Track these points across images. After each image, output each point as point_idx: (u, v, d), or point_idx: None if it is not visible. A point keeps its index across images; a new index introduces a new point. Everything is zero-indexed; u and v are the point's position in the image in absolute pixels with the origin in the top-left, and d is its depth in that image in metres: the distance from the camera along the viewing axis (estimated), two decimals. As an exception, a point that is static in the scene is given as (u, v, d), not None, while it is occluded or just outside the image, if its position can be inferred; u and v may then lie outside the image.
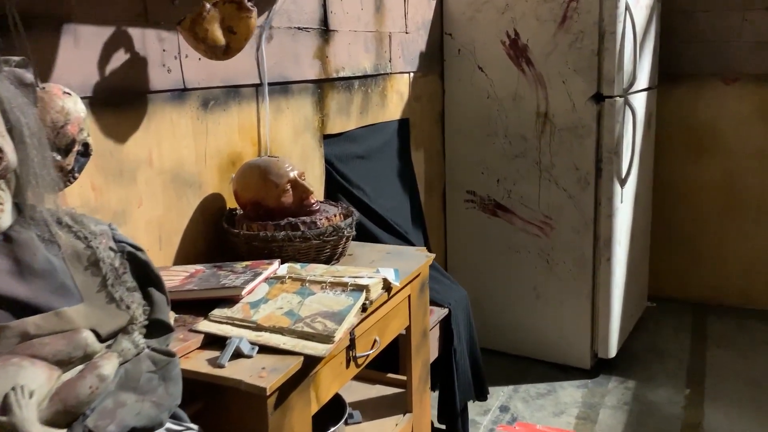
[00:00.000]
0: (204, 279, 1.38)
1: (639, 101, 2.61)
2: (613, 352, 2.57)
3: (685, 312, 3.15)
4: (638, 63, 2.42)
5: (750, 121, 2.98)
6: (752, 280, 3.12)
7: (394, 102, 2.33)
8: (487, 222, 2.70)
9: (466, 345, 2.07)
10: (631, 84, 2.41)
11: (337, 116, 1.99)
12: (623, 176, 2.47)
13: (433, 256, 1.68)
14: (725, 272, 3.16)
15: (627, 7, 2.35)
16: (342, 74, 1.99)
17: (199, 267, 1.45)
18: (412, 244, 2.09)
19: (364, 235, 1.91)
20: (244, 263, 1.45)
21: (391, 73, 2.29)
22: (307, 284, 1.38)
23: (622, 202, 2.51)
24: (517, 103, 2.54)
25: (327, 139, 1.95)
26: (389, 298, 1.47)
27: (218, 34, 1.38)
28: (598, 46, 2.34)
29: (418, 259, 1.64)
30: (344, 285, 1.37)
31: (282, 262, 1.48)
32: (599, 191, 2.45)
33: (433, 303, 1.93)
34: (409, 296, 1.59)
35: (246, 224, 1.54)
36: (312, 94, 1.87)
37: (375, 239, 1.95)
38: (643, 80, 2.64)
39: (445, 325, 2.01)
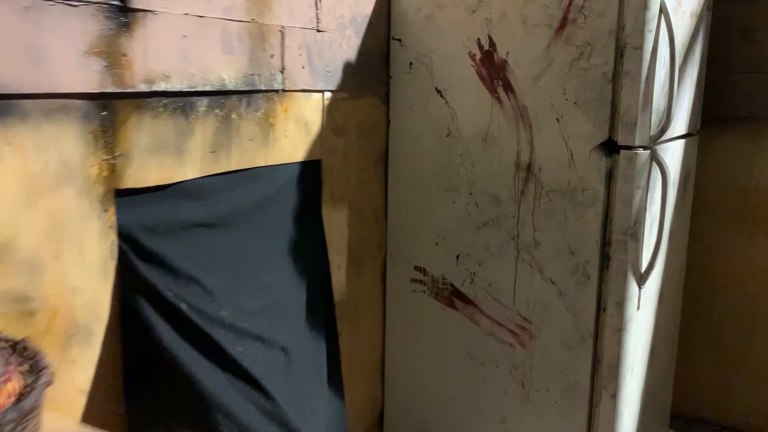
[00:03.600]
0: None
1: (673, 155, 1.76)
2: None
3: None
4: (675, 97, 1.57)
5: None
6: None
7: (291, 136, 1.50)
8: (440, 315, 1.85)
9: None
10: (663, 129, 1.56)
11: (152, 158, 1.17)
12: (643, 271, 1.60)
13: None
14: (781, 394, 2.27)
15: (662, 10, 1.50)
16: (162, 87, 1.16)
17: None
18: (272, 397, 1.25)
19: (180, 389, 1.08)
20: None
21: (285, 91, 1.46)
22: None
23: (639, 308, 1.64)
24: (490, 148, 1.70)
25: (126, 197, 1.13)
26: None
27: None
28: (614, 67, 1.50)
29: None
30: None
31: None
32: (605, 290, 1.59)
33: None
34: None
35: None
36: (84, 119, 1.05)
37: (198, 400, 1.11)
38: (680, 123, 1.79)
39: None
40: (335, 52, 1.62)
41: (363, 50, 1.72)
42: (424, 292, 1.86)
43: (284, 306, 1.44)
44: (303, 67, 1.51)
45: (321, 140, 1.60)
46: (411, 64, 1.79)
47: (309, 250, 1.57)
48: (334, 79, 1.63)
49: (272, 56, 1.41)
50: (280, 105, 1.46)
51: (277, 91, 1.44)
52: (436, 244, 1.82)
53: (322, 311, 1.60)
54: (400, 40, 1.80)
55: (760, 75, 2.15)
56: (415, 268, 1.87)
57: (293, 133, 1.51)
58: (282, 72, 1.44)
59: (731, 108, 2.20)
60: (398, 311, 1.92)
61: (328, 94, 1.61)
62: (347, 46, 1.66)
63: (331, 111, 1.62)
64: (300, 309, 1.51)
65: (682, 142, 1.83)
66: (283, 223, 1.50)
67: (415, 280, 1.87)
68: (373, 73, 1.78)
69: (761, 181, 2.20)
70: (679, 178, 1.86)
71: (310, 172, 1.58)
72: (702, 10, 1.87)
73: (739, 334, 2.30)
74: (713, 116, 2.22)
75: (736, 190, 2.24)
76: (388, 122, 1.85)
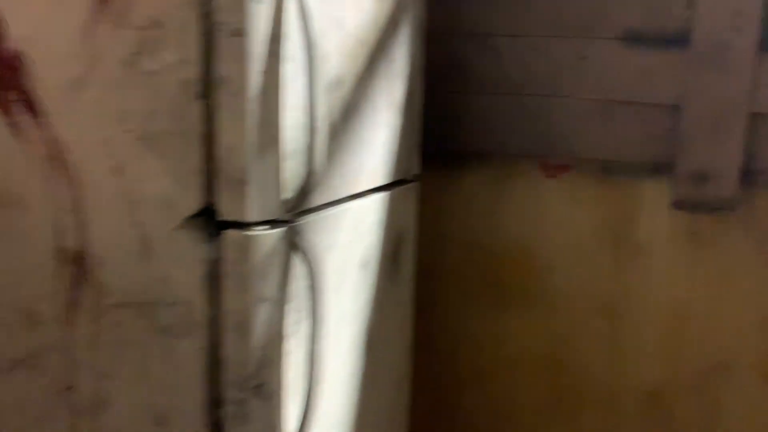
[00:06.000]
0: None
1: (353, 224, 1.06)
2: None
3: None
4: (345, 129, 0.87)
5: (591, 245, 1.59)
6: None
7: None
8: None
9: None
10: (307, 188, 0.84)
11: None
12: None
13: None
14: None
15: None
16: None
17: None
18: None
19: None
20: None
21: None
22: None
23: None
24: (9, 219, 0.89)
25: None
26: None
27: None
28: (203, 70, 0.77)
29: None
30: None
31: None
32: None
33: None
34: None
35: None
36: None
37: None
38: (366, 170, 1.11)
39: None
40: None
41: None
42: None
43: None
44: None
45: None
46: None
47: None
48: None
49: None
50: None
51: None
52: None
53: None
54: None
55: (503, 96, 1.58)
56: None
57: None
58: None
59: (469, 140, 1.61)
60: None
61: None
62: None
63: None
64: None
65: (378, 197, 1.15)
66: None
67: None
68: None
69: (509, 239, 1.62)
70: (381, 252, 1.18)
71: None
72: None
73: (495, 440, 1.70)
74: (448, 152, 1.62)
75: (481, 252, 1.65)
76: None
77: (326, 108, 0.87)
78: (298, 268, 0.83)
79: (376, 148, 1.11)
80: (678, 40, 1.46)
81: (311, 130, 0.82)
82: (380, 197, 1.14)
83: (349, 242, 0.99)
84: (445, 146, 1.61)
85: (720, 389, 1.56)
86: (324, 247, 0.89)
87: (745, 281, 1.52)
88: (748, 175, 1.47)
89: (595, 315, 1.59)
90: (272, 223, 0.80)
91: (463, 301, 1.65)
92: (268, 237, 0.79)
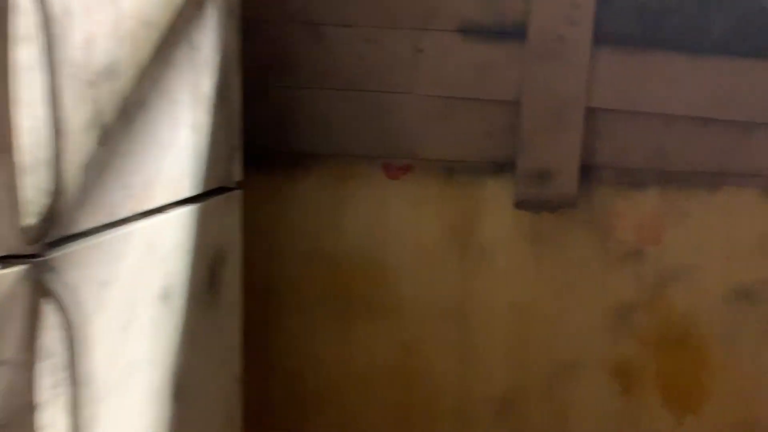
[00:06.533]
0: None
1: (133, 255, 0.87)
2: None
3: None
4: (126, 130, 0.69)
5: (437, 249, 1.50)
6: None
7: None
8: None
9: None
10: (67, 205, 0.66)
11: None
12: None
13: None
14: None
15: None
16: None
17: None
18: None
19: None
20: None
21: None
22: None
23: None
24: None
25: None
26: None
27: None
28: None
29: None
30: None
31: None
32: None
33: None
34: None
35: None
36: None
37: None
38: (154, 182, 0.92)
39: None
40: None
41: None
42: None
43: None
44: None
45: None
46: None
47: None
48: None
49: None
50: None
51: None
52: None
53: None
54: None
55: (338, 92, 1.45)
56: None
57: None
58: None
59: (303, 141, 1.46)
60: None
61: None
62: None
63: None
64: None
65: (184, 212, 0.97)
66: None
67: None
68: None
69: (351, 246, 1.50)
70: (191, 278, 1.00)
71: None
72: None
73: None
74: (281, 154, 1.46)
75: (322, 263, 1.51)
76: None
77: (89, 105, 0.68)
78: (52, 316, 0.64)
79: (177, 152, 0.93)
80: (515, 33, 1.39)
81: (58, 133, 0.63)
82: (187, 211, 0.96)
83: (140, 271, 0.81)
84: (277, 148, 1.46)
85: (569, 390, 1.54)
86: (97, 284, 0.71)
87: (588, 280, 1.50)
88: (588, 172, 1.45)
89: (444, 321, 1.51)
90: (8, 259, 0.60)
91: (305, 318, 1.51)
92: (1, 278, 0.59)
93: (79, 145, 0.66)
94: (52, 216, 0.63)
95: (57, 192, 0.63)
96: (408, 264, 1.49)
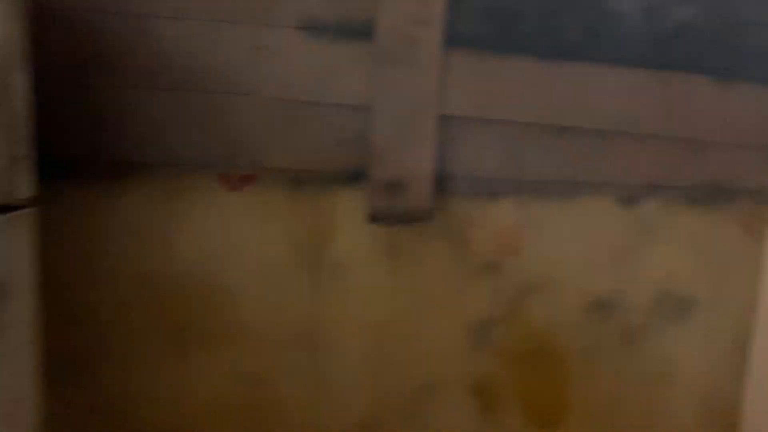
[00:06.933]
0: None
1: None
2: None
3: None
4: None
5: (284, 268, 1.36)
6: None
7: None
8: None
9: None
10: None
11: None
12: None
13: None
14: None
15: None
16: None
17: None
18: None
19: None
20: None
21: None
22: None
23: None
24: None
25: None
26: None
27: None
28: None
29: None
30: None
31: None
32: None
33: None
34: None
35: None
36: None
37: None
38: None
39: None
40: None
41: None
42: None
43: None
44: None
45: None
46: None
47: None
48: None
49: None
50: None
51: None
52: None
53: None
54: None
55: (168, 93, 1.27)
56: None
57: None
58: None
59: (127, 148, 1.28)
60: None
61: None
62: None
63: None
64: None
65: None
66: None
67: None
68: None
69: (186, 267, 1.33)
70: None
71: None
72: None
73: None
74: (99, 164, 1.27)
75: (151, 287, 1.32)
76: None
77: None
78: None
79: None
80: (363, 32, 1.28)
81: None
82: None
83: None
84: (96, 156, 1.26)
85: (429, 412, 1.45)
86: None
87: (446, 295, 1.42)
88: (443, 182, 1.36)
89: (293, 347, 1.38)
90: None
91: (134, 352, 1.32)
92: None
93: None
94: None
95: None
96: (251, 286, 1.34)
